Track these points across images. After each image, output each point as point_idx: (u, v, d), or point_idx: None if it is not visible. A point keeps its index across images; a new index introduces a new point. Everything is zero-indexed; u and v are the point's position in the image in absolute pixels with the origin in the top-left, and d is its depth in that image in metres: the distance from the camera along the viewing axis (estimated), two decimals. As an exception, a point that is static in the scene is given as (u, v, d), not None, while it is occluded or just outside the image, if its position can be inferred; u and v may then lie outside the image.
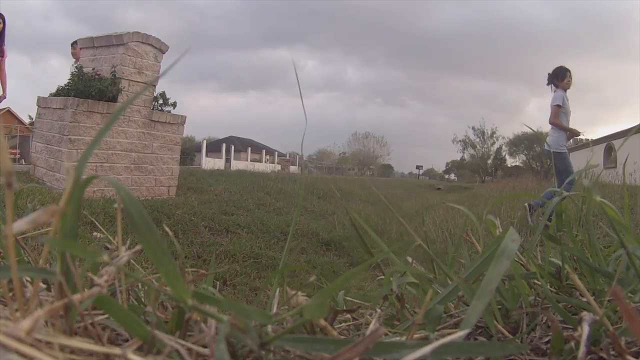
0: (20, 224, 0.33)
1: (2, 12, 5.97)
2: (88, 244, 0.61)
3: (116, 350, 0.35)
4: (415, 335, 0.46)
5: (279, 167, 26.56)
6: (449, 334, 0.46)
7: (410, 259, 0.75)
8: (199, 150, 27.05)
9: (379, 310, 0.58)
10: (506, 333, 0.53)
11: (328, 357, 0.37)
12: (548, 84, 5.51)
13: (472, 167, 50.10)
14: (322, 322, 0.44)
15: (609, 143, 17.95)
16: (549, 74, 5.49)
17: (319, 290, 0.44)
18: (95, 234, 0.77)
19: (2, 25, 5.88)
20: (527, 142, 42.73)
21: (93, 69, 6.46)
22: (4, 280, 0.43)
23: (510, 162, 47.82)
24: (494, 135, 47.91)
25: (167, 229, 0.63)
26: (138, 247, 0.49)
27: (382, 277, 0.65)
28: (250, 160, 30.10)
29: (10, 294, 0.42)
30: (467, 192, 20.04)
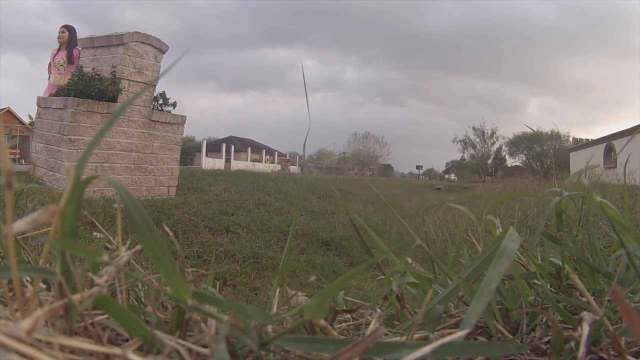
0: (20, 224, 0.33)
1: (70, 24, 6.42)
2: (88, 244, 0.61)
3: (116, 350, 0.35)
4: (415, 335, 0.46)
5: (279, 167, 26.56)
6: (449, 334, 0.46)
7: (410, 259, 0.75)
8: (199, 150, 27.10)
9: (379, 310, 0.58)
10: (506, 333, 0.53)
11: (328, 357, 0.37)
12: None
13: (472, 167, 50.11)
14: (322, 322, 0.44)
15: (609, 143, 17.92)
16: None
17: (319, 290, 0.44)
18: (95, 234, 0.77)
19: (67, 34, 6.17)
20: (527, 142, 42.73)
21: (93, 69, 6.46)
22: (4, 280, 0.43)
23: (510, 162, 47.93)
24: (494, 135, 48.04)
25: (167, 229, 0.63)
26: (138, 247, 0.49)
27: (382, 277, 0.65)
28: (250, 160, 30.14)
29: (10, 294, 0.42)
30: (467, 192, 20.02)
